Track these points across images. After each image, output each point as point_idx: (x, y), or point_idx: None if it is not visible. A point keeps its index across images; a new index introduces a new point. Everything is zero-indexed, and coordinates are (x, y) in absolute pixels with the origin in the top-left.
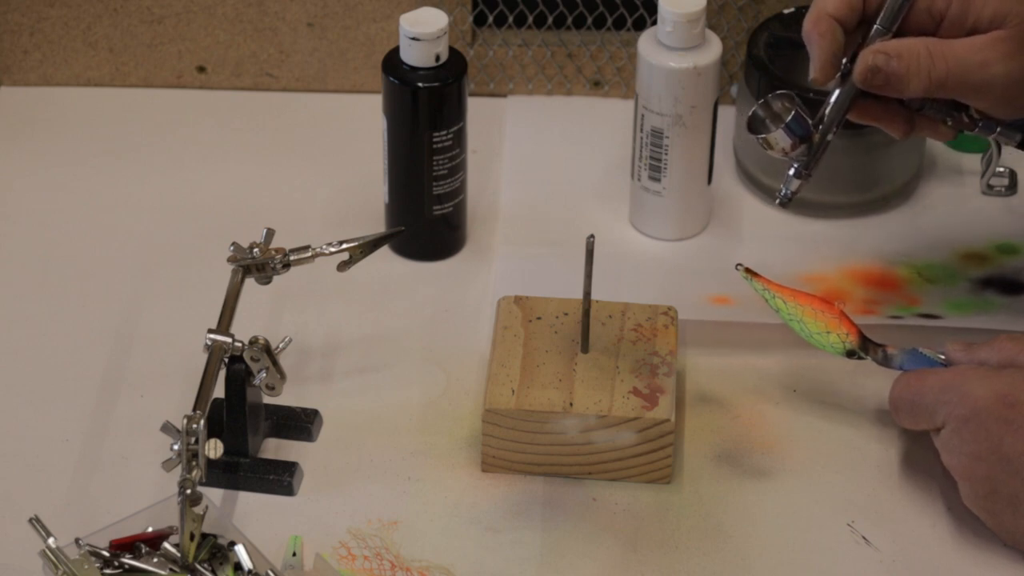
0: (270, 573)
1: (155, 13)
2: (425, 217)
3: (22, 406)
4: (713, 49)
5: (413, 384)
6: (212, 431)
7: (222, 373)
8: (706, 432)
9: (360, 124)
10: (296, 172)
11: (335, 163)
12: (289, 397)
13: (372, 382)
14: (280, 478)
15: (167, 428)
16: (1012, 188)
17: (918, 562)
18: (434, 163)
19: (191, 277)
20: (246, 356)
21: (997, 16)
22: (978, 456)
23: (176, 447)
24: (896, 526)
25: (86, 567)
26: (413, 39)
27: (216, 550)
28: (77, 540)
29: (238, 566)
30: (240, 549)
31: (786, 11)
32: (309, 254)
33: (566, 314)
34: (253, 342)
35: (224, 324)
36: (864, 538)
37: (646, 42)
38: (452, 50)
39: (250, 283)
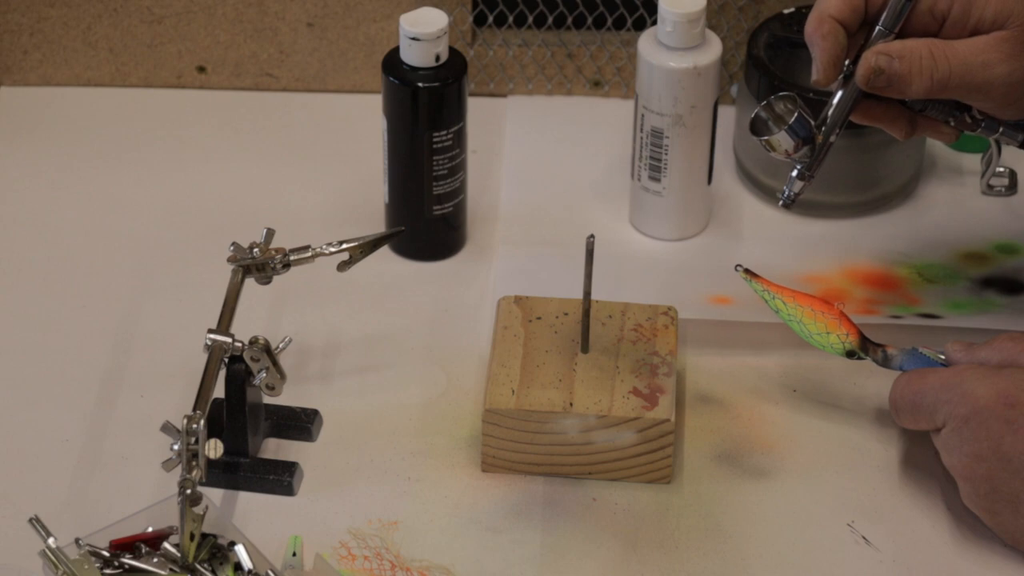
0: (270, 573)
1: (155, 13)
2: (425, 217)
3: (22, 406)
4: (713, 49)
5: (413, 384)
6: (212, 431)
7: (222, 373)
8: (706, 432)
9: (360, 124)
10: (296, 172)
11: (335, 163)
12: (289, 397)
13: (372, 382)
14: (280, 478)
15: (167, 428)
16: (1012, 188)
17: (918, 562)
18: (434, 163)
19: (191, 277)
20: (246, 356)
21: (999, 17)
22: (978, 456)
23: (176, 447)
24: (896, 526)
25: (86, 567)
26: (413, 39)
27: (216, 550)
28: (77, 540)
29: (238, 566)
30: (240, 549)
31: (786, 11)
32: (309, 254)
33: (566, 314)
34: (253, 342)
35: (224, 324)
36: (864, 538)
37: (646, 42)
38: (452, 50)
39: (250, 283)
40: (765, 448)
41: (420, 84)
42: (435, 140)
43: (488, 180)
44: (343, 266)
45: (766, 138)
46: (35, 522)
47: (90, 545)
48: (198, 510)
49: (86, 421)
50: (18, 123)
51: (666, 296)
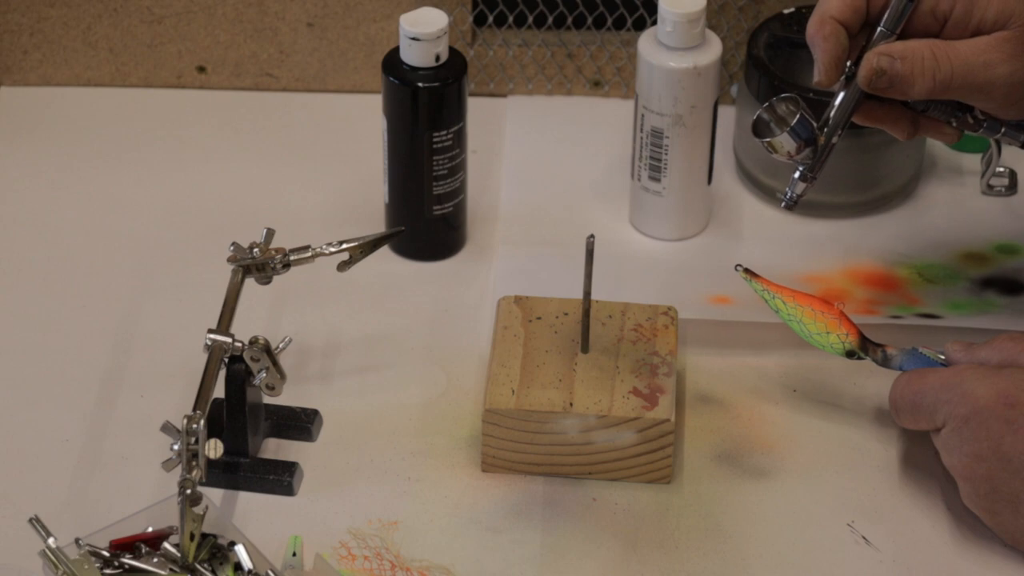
0: (270, 573)
1: (155, 13)
2: (425, 217)
3: (22, 406)
4: (713, 49)
5: (413, 384)
6: (212, 431)
7: (222, 373)
8: (706, 432)
9: (360, 124)
10: (296, 172)
11: (335, 163)
12: (289, 397)
13: (372, 382)
14: (280, 478)
15: (167, 428)
16: (1012, 188)
17: (918, 562)
18: (434, 163)
19: (191, 277)
20: (246, 356)
21: (1001, 17)
22: (978, 456)
23: (176, 447)
24: (896, 526)
25: (86, 567)
26: (413, 39)
27: (216, 550)
28: (77, 540)
29: (238, 566)
30: (240, 549)
31: (786, 11)
32: (309, 254)
33: (566, 314)
34: (253, 342)
35: (224, 324)
36: (864, 538)
37: (646, 42)
38: (452, 50)
39: (250, 283)
40: (765, 448)
41: (420, 84)
42: (435, 140)
43: (488, 180)
44: (343, 266)
45: (768, 140)
46: (35, 522)
47: (90, 545)
48: (198, 510)
49: (86, 421)
50: (18, 123)
51: (666, 296)
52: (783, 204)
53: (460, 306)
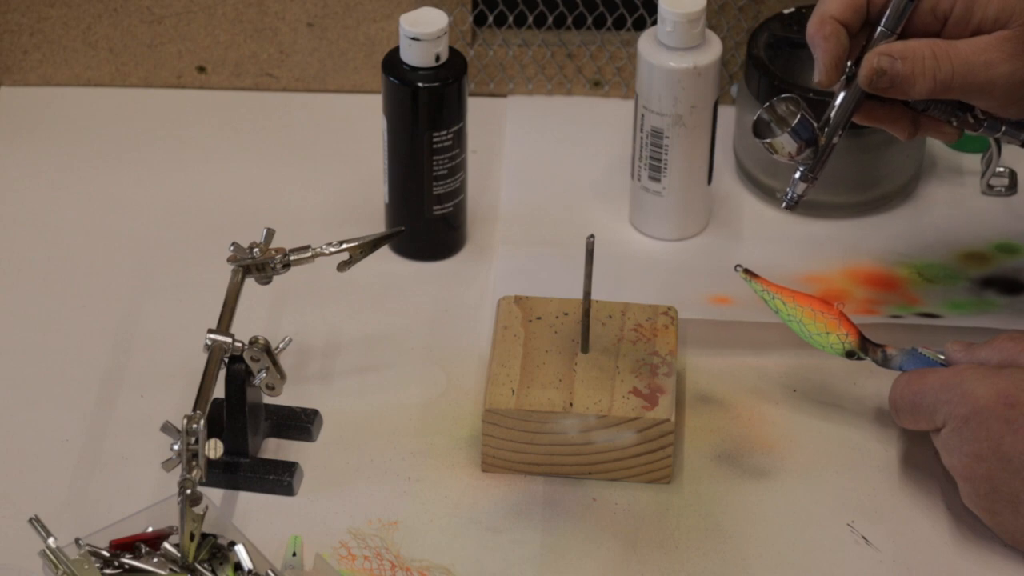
0: (270, 573)
1: (155, 13)
2: (425, 217)
3: (22, 406)
4: (713, 49)
5: (413, 384)
6: (212, 431)
7: (222, 373)
8: (706, 432)
9: (360, 124)
10: (296, 172)
11: (335, 163)
12: (289, 397)
13: (372, 382)
14: (280, 478)
15: (167, 428)
16: (1012, 188)
17: (918, 562)
18: (434, 163)
19: (191, 277)
20: (246, 356)
21: (1001, 16)
22: (978, 456)
23: (176, 447)
24: (896, 526)
25: (86, 567)
26: (413, 39)
27: (216, 550)
28: (77, 540)
29: (238, 566)
30: (240, 549)
31: (786, 11)
32: (309, 254)
33: (566, 314)
34: (253, 342)
35: (224, 324)
36: (864, 538)
37: (646, 42)
38: (452, 50)
39: (250, 283)
40: (765, 448)
41: (420, 84)
42: (435, 140)
43: (488, 180)
44: (343, 266)
45: (769, 140)
46: (35, 522)
47: (90, 545)
48: (198, 510)
49: (86, 421)
50: (18, 123)
51: (666, 296)
52: (784, 204)
53: (460, 306)
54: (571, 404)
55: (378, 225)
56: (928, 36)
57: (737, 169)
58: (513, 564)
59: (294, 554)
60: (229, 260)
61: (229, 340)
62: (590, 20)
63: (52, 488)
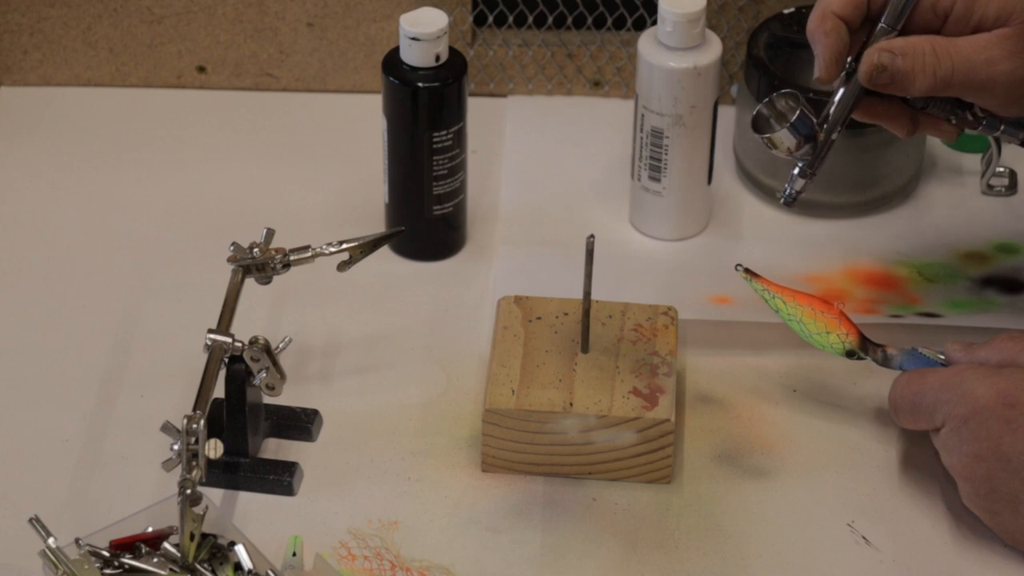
0: (270, 573)
1: (155, 13)
2: (425, 217)
3: (22, 406)
4: (713, 49)
5: (413, 384)
6: (212, 431)
7: (222, 373)
8: (706, 432)
9: (360, 124)
10: (296, 172)
11: (335, 163)
12: (289, 397)
13: (372, 382)
14: (280, 478)
15: (167, 428)
16: (1012, 188)
17: (918, 562)
18: (434, 163)
19: (191, 277)
20: (246, 356)
21: (1002, 14)
22: (978, 455)
23: (176, 447)
24: (896, 526)
25: (86, 567)
26: (413, 39)
27: (216, 550)
28: (77, 540)
29: (238, 566)
30: (240, 549)
31: (786, 11)
32: (309, 254)
33: (566, 314)
34: (253, 342)
35: (224, 324)
36: (864, 538)
37: (646, 42)
38: (452, 50)
39: (250, 283)
40: (765, 448)
41: (420, 84)
42: (435, 140)
43: (488, 180)
44: (343, 266)
45: (768, 136)
46: (35, 522)
47: (90, 545)
48: (198, 510)
49: (86, 421)
50: (18, 123)
51: (666, 296)
52: (782, 200)
53: (460, 306)
54: (571, 404)
55: (378, 225)
56: (929, 33)
57: (737, 169)
58: (513, 564)
59: (294, 554)
60: (229, 260)
61: (229, 340)
62: (590, 20)
63: (52, 488)
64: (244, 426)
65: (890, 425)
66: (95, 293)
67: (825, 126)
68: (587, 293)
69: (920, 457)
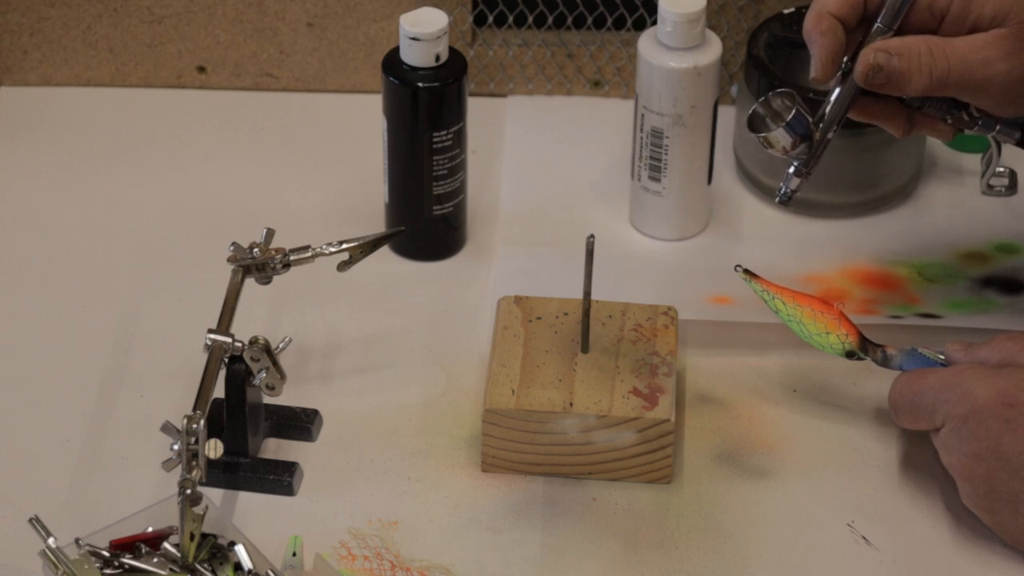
0: (270, 573)
1: (155, 13)
2: (425, 217)
3: (22, 406)
4: (713, 49)
5: (413, 384)
6: (212, 431)
7: (222, 373)
8: (706, 432)
9: (360, 124)
10: (296, 172)
11: (335, 163)
12: (289, 397)
13: (372, 382)
14: (280, 478)
15: (167, 428)
16: (1012, 188)
17: (918, 562)
18: (434, 163)
19: (191, 277)
20: (246, 356)
21: (999, 14)
22: (977, 455)
23: (176, 447)
24: (896, 526)
25: (86, 567)
26: (413, 39)
27: (216, 550)
28: (77, 540)
29: (238, 566)
30: (240, 549)
31: (786, 11)
32: (309, 254)
33: (566, 314)
34: (253, 342)
35: (224, 324)
36: (864, 538)
37: (646, 42)
38: (452, 50)
39: (250, 283)
40: (765, 448)
41: (420, 84)
42: (435, 140)
43: (488, 180)
44: (343, 266)
45: (763, 135)
46: (35, 522)
47: (90, 545)
48: (198, 510)
49: (86, 421)
50: (18, 123)
51: (666, 296)
52: (777, 199)
53: (460, 306)
54: (571, 404)
55: (378, 225)
56: (925, 33)
57: (737, 169)
58: (513, 564)
59: (294, 554)
60: (229, 260)
61: (229, 340)
62: (590, 20)
63: (52, 488)
64: (244, 426)
65: (890, 425)
66: (95, 293)
67: (821, 125)
68: (587, 293)
69: (920, 457)
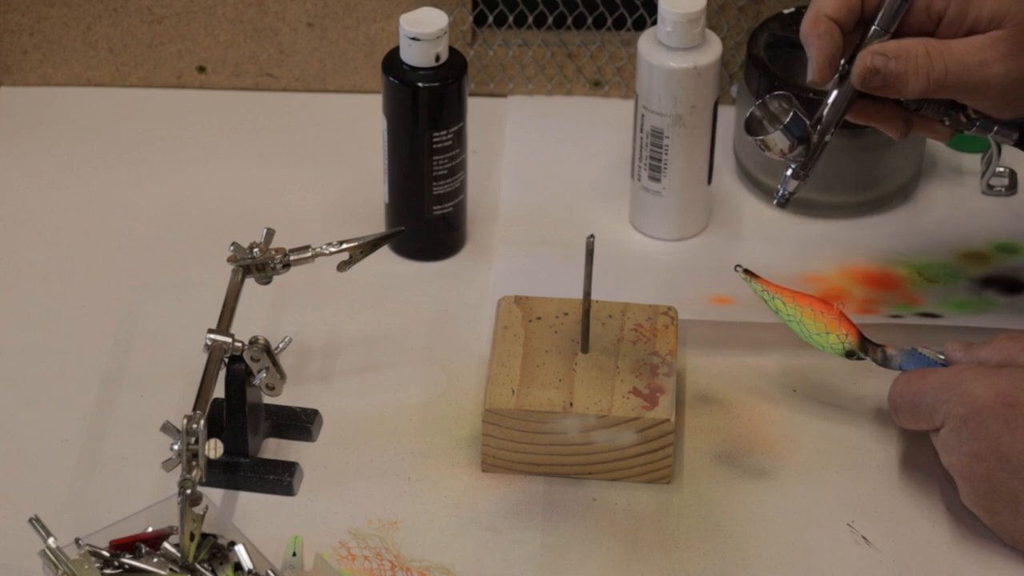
0: (270, 573)
1: (155, 13)
2: (425, 217)
3: (22, 406)
4: (713, 49)
5: (413, 384)
6: (212, 431)
7: (222, 373)
8: (706, 432)
9: (360, 124)
10: (296, 172)
11: (335, 163)
12: (289, 397)
13: (372, 382)
14: (280, 478)
15: (167, 428)
16: (1012, 188)
17: (918, 562)
18: (434, 163)
19: (191, 277)
20: (246, 356)
21: (996, 16)
22: (977, 455)
23: (176, 447)
24: (896, 526)
25: (86, 567)
26: (413, 39)
27: (216, 550)
28: (77, 540)
29: (238, 566)
30: (240, 549)
31: (786, 11)
32: (309, 254)
33: (566, 314)
34: (253, 342)
35: (224, 324)
36: (864, 538)
37: (646, 42)
38: (452, 50)
39: (250, 283)
40: (765, 448)
41: (420, 84)
42: (435, 140)
43: (488, 180)
44: (343, 266)
45: (761, 137)
46: (35, 522)
47: (90, 545)
48: (198, 510)
49: (86, 421)
50: (18, 123)
51: (666, 296)
52: (775, 202)
53: (460, 306)
54: (571, 404)
55: (378, 225)
56: (922, 36)
57: (737, 169)
58: (513, 564)
59: (294, 554)
60: (229, 260)
61: (229, 340)
62: (590, 20)
63: (52, 488)
64: (244, 426)
65: (890, 425)
66: (95, 293)
67: (818, 128)
68: (587, 293)
69: (920, 457)
